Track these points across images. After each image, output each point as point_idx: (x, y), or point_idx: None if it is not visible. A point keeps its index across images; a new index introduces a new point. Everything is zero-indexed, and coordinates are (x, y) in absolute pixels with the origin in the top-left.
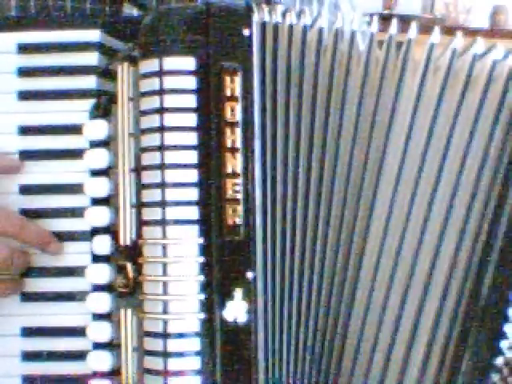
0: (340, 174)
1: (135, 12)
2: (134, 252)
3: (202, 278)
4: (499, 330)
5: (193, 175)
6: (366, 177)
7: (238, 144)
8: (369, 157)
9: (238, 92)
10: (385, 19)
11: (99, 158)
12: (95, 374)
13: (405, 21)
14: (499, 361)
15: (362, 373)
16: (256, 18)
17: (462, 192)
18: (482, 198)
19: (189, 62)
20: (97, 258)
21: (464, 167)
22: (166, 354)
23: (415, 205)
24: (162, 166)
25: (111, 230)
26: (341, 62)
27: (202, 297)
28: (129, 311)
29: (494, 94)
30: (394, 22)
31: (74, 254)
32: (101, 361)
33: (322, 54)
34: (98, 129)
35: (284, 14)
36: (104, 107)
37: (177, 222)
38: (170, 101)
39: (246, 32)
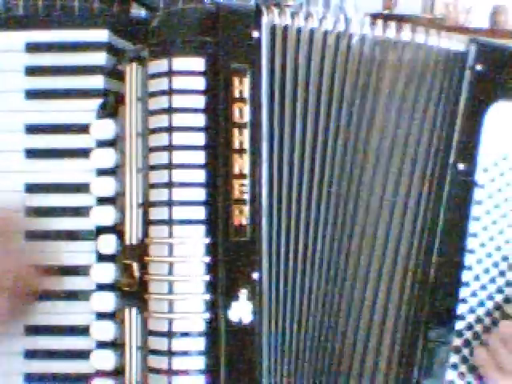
0: (341, 176)
1: (143, 13)
2: (139, 251)
3: (207, 277)
4: (455, 294)
5: (200, 175)
6: (365, 178)
7: (246, 145)
8: (368, 159)
9: (246, 93)
10: (385, 19)
11: (105, 157)
12: (98, 373)
13: (405, 21)
14: (460, 325)
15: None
16: (265, 20)
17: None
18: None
19: (198, 63)
20: (102, 257)
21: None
22: (170, 353)
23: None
24: (169, 166)
25: (117, 230)
26: (343, 64)
27: (208, 297)
28: (133, 310)
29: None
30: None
31: (79, 252)
32: (104, 360)
33: (326, 56)
34: (105, 128)
35: (292, 16)
36: (111, 107)
37: (183, 221)
38: (178, 101)
39: (255, 34)
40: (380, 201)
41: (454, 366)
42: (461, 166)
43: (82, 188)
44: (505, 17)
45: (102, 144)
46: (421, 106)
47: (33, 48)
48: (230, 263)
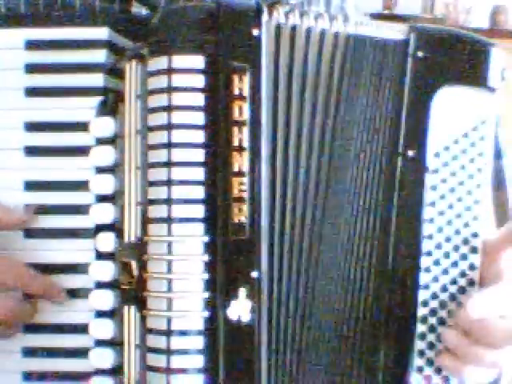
0: (339, 174)
1: (144, 11)
2: (138, 249)
3: (206, 276)
4: (415, 281)
5: (199, 173)
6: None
7: (245, 143)
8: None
9: (246, 91)
10: (385, 19)
11: (105, 155)
12: (97, 371)
13: (405, 21)
14: (424, 311)
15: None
16: (265, 18)
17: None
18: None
19: (198, 61)
20: (100, 256)
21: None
22: (169, 352)
23: None
24: (168, 164)
25: (116, 228)
26: (339, 63)
27: (207, 295)
28: (132, 308)
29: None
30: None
31: (78, 250)
32: (103, 358)
33: (323, 55)
34: (105, 126)
35: (287, 15)
36: (111, 105)
37: (182, 219)
38: (178, 99)
39: (255, 32)
40: (343, 192)
41: (421, 353)
42: (410, 153)
43: (81, 186)
44: (505, 17)
45: (101, 142)
46: (367, 96)
47: (32, 46)
48: (229, 261)
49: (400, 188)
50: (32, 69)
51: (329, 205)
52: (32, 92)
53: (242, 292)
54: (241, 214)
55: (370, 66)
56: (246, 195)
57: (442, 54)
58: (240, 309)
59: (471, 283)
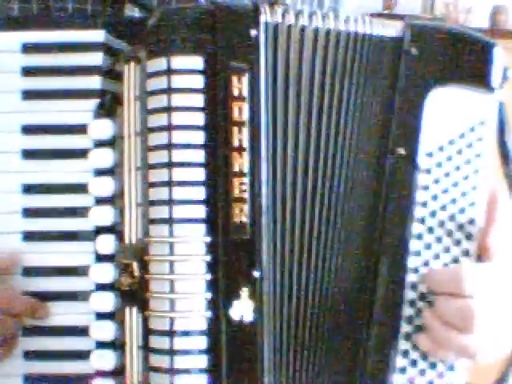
0: (336, 173)
1: (136, 13)
2: (139, 251)
3: (208, 276)
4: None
5: (200, 174)
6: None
7: (245, 143)
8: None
9: (245, 92)
10: (385, 19)
11: (103, 157)
12: (98, 373)
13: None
14: (412, 278)
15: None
16: (263, 18)
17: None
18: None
19: (197, 62)
20: (100, 258)
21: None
22: (172, 352)
23: None
24: (169, 165)
25: (115, 230)
26: (334, 62)
27: (209, 295)
28: (133, 310)
29: None
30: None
31: (78, 253)
32: (104, 360)
33: (317, 54)
34: (103, 128)
35: (284, 15)
36: (108, 107)
37: (184, 220)
38: (177, 99)
39: (253, 32)
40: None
41: (407, 336)
42: (400, 151)
43: (79, 188)
44: (505, 17)
45: (99, 144)
46: (363, 95)
47: (29, 48)
48: (230, 262)
49: (389, 186)
50: (29, 72)
51: (327, 204)
52: (29, 95)
53: (244, 292)
54: (242, 214)
55: (363, 63)
56: (246, 195)
57: (438, 51)
58: (242, 309)
59: None
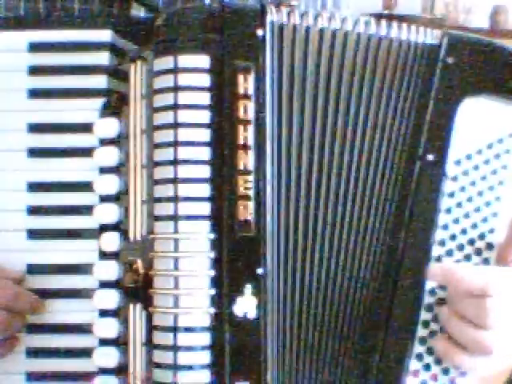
0: (343, 173)
1: (142, 13)
2: (144, 247)
3: (212, 273)
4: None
5: (205, 171)
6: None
7: (251, 142)
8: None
9: (251, 91)
10: (385, 19)
11: (109, 155)
12: (101, 371)
13: (405, 21)
14: (431, 283)
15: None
16: (269, 18)
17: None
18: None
19: (203, 61)
20: (105, 255)
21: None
22: (175, 348)
23: None
24: (174, 162)
25: (120, 228)
26: (339, 62)
27: (213, 292)
28: (137, 306)
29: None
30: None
31: (82, 251)
32: (107, 357)
33: (323, 54)
34: (109, 127)
35: (290, 15)
36: (114, 106)
37: (189, 217)
38: (184, 98)
39: (259, 32)
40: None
41: (423, 340)
42: (430, 157)
43: (84, 186)
44: (505, 17)
45: (105, 142)
46: (393, 99)
47: (36, 48)
48: (234, 258)
49: (416, 191)
50: (35, 71)
51: (331, 202)
52: (35, 94)
53: (248, 289)
54: (246, 212)
55: (390, 67)
56: (251, 193)
57: (474, 62)
58: (246, 305)
59: None
